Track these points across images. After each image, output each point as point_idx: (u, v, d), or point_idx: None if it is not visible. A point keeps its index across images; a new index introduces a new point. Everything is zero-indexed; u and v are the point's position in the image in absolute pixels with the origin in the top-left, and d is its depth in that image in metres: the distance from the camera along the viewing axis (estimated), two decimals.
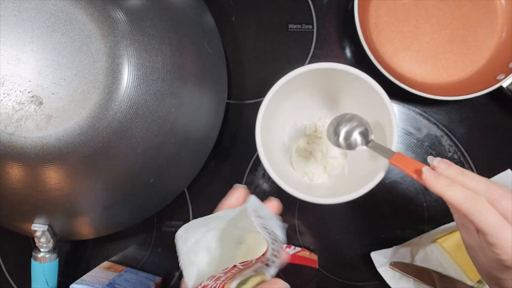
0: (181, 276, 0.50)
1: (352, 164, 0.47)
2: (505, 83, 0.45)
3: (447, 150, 0.50)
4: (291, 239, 0.50)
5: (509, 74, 0.45)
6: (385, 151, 0.36)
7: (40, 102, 0.37)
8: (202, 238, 0.27)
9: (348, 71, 0.40)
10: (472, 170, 0.50)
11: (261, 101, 0.51)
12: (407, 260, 0.47)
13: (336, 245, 0.49)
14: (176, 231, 0.54)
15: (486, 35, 0.50)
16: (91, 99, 0.37)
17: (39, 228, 0.42)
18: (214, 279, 0.24)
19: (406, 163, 0.34)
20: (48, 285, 0.44)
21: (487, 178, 0.30)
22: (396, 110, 0.51)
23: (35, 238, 0.43)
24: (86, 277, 0.44)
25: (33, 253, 0.43)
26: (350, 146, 0.39)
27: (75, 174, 0.39)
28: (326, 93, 0.46)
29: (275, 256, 0.26)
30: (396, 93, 0.49)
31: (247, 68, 0.52)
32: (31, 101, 0.37)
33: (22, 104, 0.37)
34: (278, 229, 0.27)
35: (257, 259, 0.24)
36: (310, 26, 0.52)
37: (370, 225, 0.50)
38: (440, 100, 0.45)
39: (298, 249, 0.48)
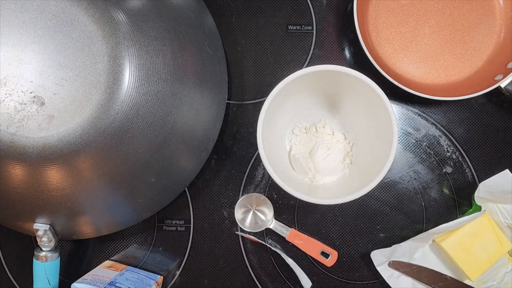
0: (181, 275, 0.50)
1: (353, 165, 0.47)
2: (503, 84, 0.45)
3: (446, 150, 0.51)
4: None
5: (507, 74, 0.45)
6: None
7: (42, 102, 0.37)
8: None
9: (348, 73, 0.40)
10: (471, 170, 0.50)
11: (261, 102, 0.51)
12: (406, 259, 0.47)
13: (336, 245, 0.50)
14: (177, 230, 0.55)
15: (484, 36, 0.50)
16: (93, 100, 0.37)
17: (41, 227, 0.43)
18: None
19: None
20: (50, 284, 0.44)
21: None
22: (395, 110, 0.51)
23: (37, 238, 0.43)
24: (88, 276, 0.44)
25: (35, 252, 0.44)
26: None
27: (76, 174, 0.39)
28: (326, 94, 0.46)
29: None
30: (394, 93, 0.49)
31: (247, 68, 0.52)
32: (33, 102, 0.37)
33: (24, 104, 0.37)
34: None
35: None
36: (310, 27, 0.52)
37: (370, 225, 0.50)
38: (438, 101, 0.46)
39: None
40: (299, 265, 0.49)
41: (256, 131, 0.41)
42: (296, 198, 0.40)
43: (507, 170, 0.44)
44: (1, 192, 0.41)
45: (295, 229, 0.50)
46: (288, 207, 0.50)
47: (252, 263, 0.50)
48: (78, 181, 0.40)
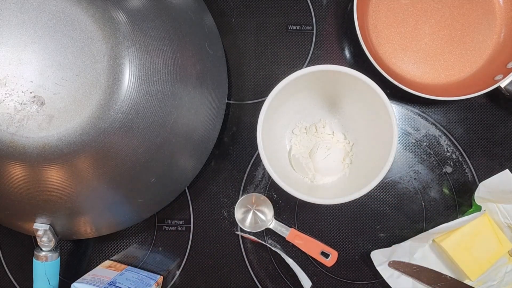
0: (181, 275, 0.50)
1: (353, 165, 0.47)
2: (503, 84, 0.45)
3: (446, 150, 0.51)
4: None
5: (507, 74, 0.45)
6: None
7: (42, 102, 0.37)
8: None
9: (348, 73, 0.40)
10: (471, 170, 0.50)
11: (261, 102, 0.51)
12: (406, 259, 0.47)
13: (336, 245, 0.50)
14: (177, 230, 0.55)
15: (484, 36, 0.50)
16: (93, 100, 0.37)
17: (40, 227, 0.43)
18: None
19: None
20: (50, 284, 0.44)
21: None
22: (395, 110, 0.51)
23: (37, 237, 0.43)
24: (88, 276, 0.44)
25: (35, 252, 0.44)
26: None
27: (76, 174, 0.39)
28: (326, 94, 0.46)
29: None
30: (395, 93, 0.49)
31: (247, 68, 0.52)
32: (33, 102, 0.37)
33: (24, 104, 0.37)
34: None
35: None
36: (310, 27, 0.52)
37: (370, 225, 0.50)
38: (438, 101, 0.46)
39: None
40: (299, 265, 0.49)
41: (256, 131, 0.41)
42: (296, 198, 0.40)
43: (507, 170, 0.44)
44: (1, 192, 0.41)
45: (295, 229, 0.50)
46: (288, 207, 0.50)
47: (252, 263, 0.50)
48: (78, 181, 0.40)
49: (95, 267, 0.48)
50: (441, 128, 0.51)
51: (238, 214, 0.50)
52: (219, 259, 0.50)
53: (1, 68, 0.37)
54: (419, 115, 0.51)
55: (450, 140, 0.51)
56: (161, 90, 0.40)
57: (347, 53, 0.52)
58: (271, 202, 0.50)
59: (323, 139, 0.48)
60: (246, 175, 0.51)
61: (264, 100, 0.41)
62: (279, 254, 0.49)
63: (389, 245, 0.47)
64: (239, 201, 0.50)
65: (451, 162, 0.51)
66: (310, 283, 0.48)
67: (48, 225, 0.43)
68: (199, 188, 0.51)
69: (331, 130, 0.48)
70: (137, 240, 0.51)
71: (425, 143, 0.51)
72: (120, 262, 0.50)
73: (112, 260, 0.51)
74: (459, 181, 0.50)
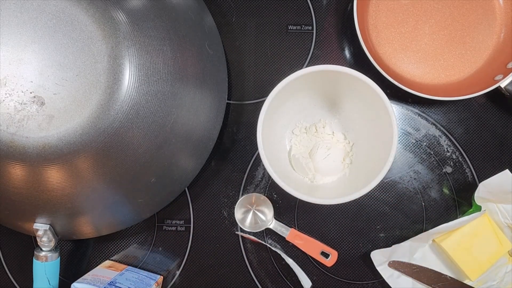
0: (181, 275, 0.50)
1: (353, 165, 0.47)
2: (503, 84, 0.45)
3: (446, 150, 0.51)
4: None
5: (507, 74, 0.45)
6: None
7: (42, 102, 0.37)
8: None
9: (348, 73, 0.40)
10: (471, 171, 0.50)
11: (261, 102, 0.51)
12: (406, 259, 0.47)
13: (336, 245, 0.50)
14: (177, 230, 0.55)
15: (484, 36, 0.50)
16: (93, 100, 0.37)
17: (40, 227, 0.43)
18: None
19: None
20: (50, 284, 0.44)
21: None
22: (395, 110, 0.51)
23: (37, 237, 0.43)
24: (88, 276, 0.44)
25: (35, 252, 0.44)
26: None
27: (76, 174, 0.39)
28: (326, 94, 0.46)
29: None
30: (395, 93, 0.49)
31: (247, 68, 0.52)
32: (33, 102, 0.37)
33: (24, 104, 0.37)
34: None
35: None
36: (310, 27, 0.52)
37: (370, 225, 0.50)
38: (438, 101, 0.46)
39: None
40: (299, 265, 0.49)
41: (256, 131, 0.41)
42: (296, 198, 0.40)
43: (507, 170, 0.44)
44: (1, 192, 0.41)
45: (295, 229, 0.50)
46: (288, 207, 0.50)
47: (252, 263, 0.50)
48: (78, 181, 0.40)
49: (95, 267, 0.48)
50: (441, 128, 0.51)
51: (238, 214, 0.50)
52: (219, 259, 0.50)
53: (1, 68, 0.37)
54: (419, 115, 0.51)
55: (450, 140, 0.51)
56: (161, 90, 0.40)
57: (347, 53, 0.52)
58: (271, 202, 0.50)
59: (323, 139, 0.48)
60: (246, 175, 0.51)
61: (264, 100, 0.41)
62: (279, 254, 0.49)
63: (389, 245, 0.47)
64: (239, 201, 0.50)
65: (451, 162, 0.51)
66: (310, 283, 0.48)
67: (48, 225, 0.43)
68: (199, 188, 0.51)
69: (331, 130, 0.48)
70: (137, 240, 0.51)
71: (425, 143, 0.51)
72: (120, 262, 0.50)
73: (112, 260, 0.51)
74: (459, 181, 0.50)
